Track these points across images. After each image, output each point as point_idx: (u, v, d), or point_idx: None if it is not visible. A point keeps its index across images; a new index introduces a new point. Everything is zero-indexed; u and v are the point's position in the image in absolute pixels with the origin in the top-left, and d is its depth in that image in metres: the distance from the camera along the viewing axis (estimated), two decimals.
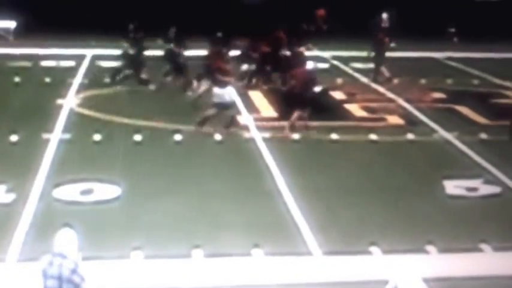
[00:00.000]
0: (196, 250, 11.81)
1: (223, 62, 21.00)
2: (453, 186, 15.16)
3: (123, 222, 13.10)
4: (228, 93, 19.14)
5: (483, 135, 19.13)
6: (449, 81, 26.68)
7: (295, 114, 19.17)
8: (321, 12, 34.43)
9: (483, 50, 31.33)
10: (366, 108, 22.23)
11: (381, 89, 24.87)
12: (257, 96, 23.55)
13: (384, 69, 26.07)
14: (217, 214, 13.58)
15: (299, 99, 19.32)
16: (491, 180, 15.72)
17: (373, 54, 26.30)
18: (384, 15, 33.99)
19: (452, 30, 28.47)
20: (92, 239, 12.08)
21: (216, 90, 19.12)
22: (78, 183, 14.79)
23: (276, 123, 20.08)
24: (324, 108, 21.97)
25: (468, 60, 30.56)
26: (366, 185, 15.35)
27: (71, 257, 8.08)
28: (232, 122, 19.15)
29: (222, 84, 19.17)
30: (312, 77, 19.77)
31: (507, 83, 26.56)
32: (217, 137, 18.31)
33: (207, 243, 12.07)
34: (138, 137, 18.05)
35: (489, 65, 29.25)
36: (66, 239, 8.11)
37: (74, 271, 8.03)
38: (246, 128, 19.53)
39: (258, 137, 18.61)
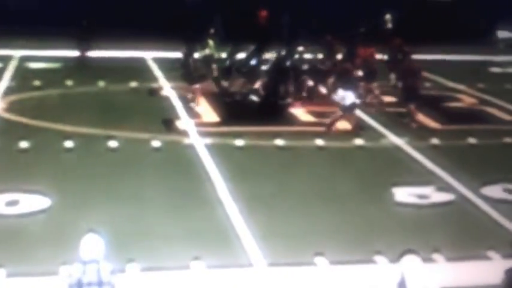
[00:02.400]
0: (131, 264, 11.63)
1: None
2: (403, 194, 15.24)
3: (51, 236, 12.85)
4: (351, 95, 20.21)
5: (435, 141, 19.29)
6: (400, 84, 26.77)
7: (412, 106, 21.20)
8: (264, 13, 34.84)
9: (435, 51, 31.64)
10: (312, 113, 22.28)
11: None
12: (199, 99, 23.35)
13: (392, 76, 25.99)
14: (154, 225, 13.43)
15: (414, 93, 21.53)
16: (444, 187, 15.85)
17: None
18: (387, 16, 34.28)
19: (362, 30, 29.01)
20: (17, 255, 11.87)
21: (341, 92, 20.40)
22: (3, 194, 14.50)
23: (219, 129, 20.05)
24: (269, 112, 22.04)
25: (420, 63, 30.76)
26: (312, 193, 15.35)
27: (103, 260, 8.42)
28: (357, 124, 20.37)
29: (347, 87, 20.45)
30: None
31: (460, 86, 26.94)
32: (155, 143, 18.15)
33: (142, 256, 11.91)
34: (69, 144, 17.79)
35: (442, 67, 29.55)
36: (94, 244, 8.43)
37: (112, 272, 8.45)
38: (185, 133, 19.43)
39: (199, 143, 18.51)
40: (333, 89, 22.64)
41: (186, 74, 24.29)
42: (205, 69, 24.46)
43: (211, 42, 25.90)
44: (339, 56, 26.74)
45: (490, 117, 22.76)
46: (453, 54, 32.43)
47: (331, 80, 23.53)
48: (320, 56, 26.63)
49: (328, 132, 19.77)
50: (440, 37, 32.40)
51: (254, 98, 22.88)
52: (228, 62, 25.06)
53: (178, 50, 26.59)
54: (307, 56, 25.91)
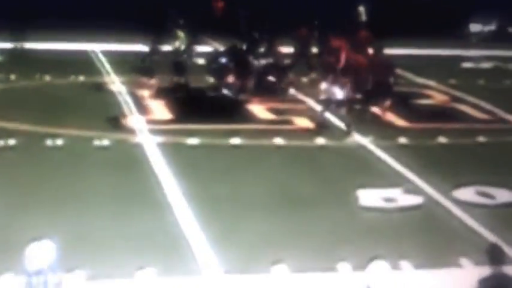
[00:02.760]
0: (73, 272, 11.28)
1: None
2: (368, 197, 15.07)
3: None
4: (339, 89, 19.96)
5: (403, 140, 19.24)
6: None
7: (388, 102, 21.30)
8: (220, 4, 35.26)
9: (403, 45, 31.74)
10: (272, 110, 22.21)
11: (290, 90, 24.91)
12: (151, 96, 23.41)
13: None
14: (99, 230, 13.17)
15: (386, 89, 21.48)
16: (412, 189, 15.74)
17: None
18: (361, 8, 34.43)
19: (316, 22, 29.15)
20: None
21: (325, 85, 20.06)
22: None
23: (171, 126, 19.92)
24: (225, 110, 21.95)
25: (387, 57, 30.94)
26: (270, 195, 15.19)
27: (53, 270, 8.22)
28: (349, 121, 19.91)
29: (333, 80, 20.18)
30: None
31: (430, 82, 27.08)
32: (102, 142, 18.02)
33: (86, 264, 11.61)
34: (10, 142, 17.65)
35: (410, 62, 29.66)
36: (42, 254, 8.20)
37: (58, 285, 8.25)
38: (135, 131, 19.31)
39: (150, 141, 18.39)
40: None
41: (146, 67, 24.28)
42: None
43: (181, 33, 25.82)
44: (313, 50, 26.96)
45: (461, 115, 22.77)
46: (423, 48, 32.58)
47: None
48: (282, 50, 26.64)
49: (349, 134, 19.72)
50: (409, 30, 32.51)
51: (227, 92, 22.96)
52: (185, 56, 25.01)
53: (130, 43, 26.63)
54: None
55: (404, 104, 23.15)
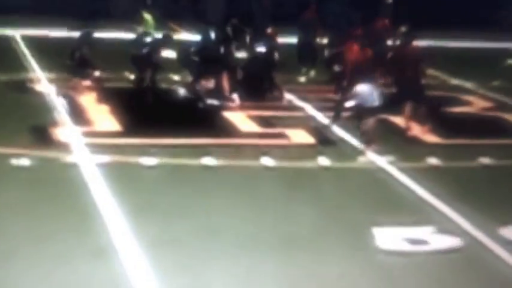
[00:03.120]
0: None
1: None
2: (388, 237, 14.96)
3: None
4: (375, 92, 20.17)
5: (433, 160, 19.39)
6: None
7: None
8: None
9: (435, 37, 32.07)
10: (257, 120, 22.37)
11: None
12: (91, 100, 23.62)
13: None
14: (18, 284, 12.82)
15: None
16: (447, 227, 15.65)
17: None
18: None
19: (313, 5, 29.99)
20: None
21: (361, 88, 20.21)
22: None
23: (119, 141, 20.06)
24: (195, 119, 22.23)
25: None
26: (255, 234, 15.03)
27: None
28: (372, 134, 20.15)
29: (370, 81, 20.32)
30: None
31: (467, 84, 27.47)
32: (21, 161, 18.00)
33: None
34: None
35: (444, 58, 29.91)
36: None
37: None
38: (68, 147, 19.37)
39: (89, 161, 18.41)
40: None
41: (78, 64, 24.45)
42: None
43: (148, 17, 26.06)
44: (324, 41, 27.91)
45: (509, 128, 23.17)
46: (459, 40, 32.81)
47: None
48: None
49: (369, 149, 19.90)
50: (442, 18, 32.81)
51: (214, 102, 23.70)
52: (147, 47, 25.26)
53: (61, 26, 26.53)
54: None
55: (435, 112, 23.29)
